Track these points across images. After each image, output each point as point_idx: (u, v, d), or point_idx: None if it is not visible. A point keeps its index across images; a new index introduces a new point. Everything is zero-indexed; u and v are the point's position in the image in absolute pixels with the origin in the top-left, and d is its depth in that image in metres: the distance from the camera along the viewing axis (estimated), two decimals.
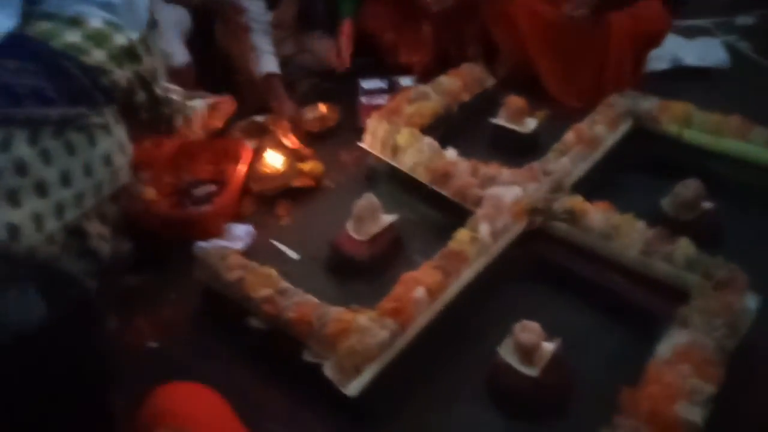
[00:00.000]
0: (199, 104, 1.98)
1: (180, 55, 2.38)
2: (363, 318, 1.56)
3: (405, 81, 2.84)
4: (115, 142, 1.55)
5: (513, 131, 2.41)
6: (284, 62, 2.69)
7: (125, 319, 1.87)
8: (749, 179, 2.13)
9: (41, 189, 1.38)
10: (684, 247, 1.68)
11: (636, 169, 2.26)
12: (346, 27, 2.84)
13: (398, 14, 2.92)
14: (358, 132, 2.59)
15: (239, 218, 2.21)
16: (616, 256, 1.77)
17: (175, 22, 2.42)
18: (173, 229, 2.05)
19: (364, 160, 2.46)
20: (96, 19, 1.51)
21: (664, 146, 2.28)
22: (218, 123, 2.17)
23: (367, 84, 2.85)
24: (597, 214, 1.83)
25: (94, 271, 1.74)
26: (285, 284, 1.72)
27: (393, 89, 2.81)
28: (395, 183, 2.29)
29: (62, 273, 1.53)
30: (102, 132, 1.51)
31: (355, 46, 2.86)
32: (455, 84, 2.54)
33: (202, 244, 2.01)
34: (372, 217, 1.98)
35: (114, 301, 1.87)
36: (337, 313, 1.59)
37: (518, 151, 2.38)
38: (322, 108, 2.77)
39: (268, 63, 2.50)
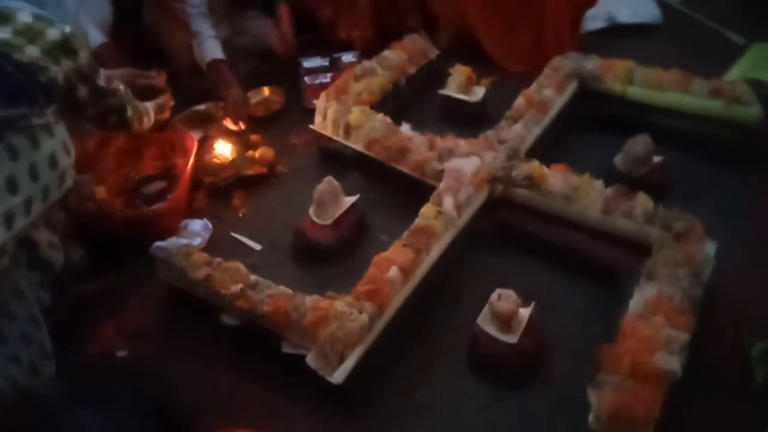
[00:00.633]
0: (148, 104, 1.91)
1: (95, 36, 2.26)
2: (340, 304, 1.54)
3: (347, 57, 2.81)
4: (58, 143, 1.47)
5: (462, 101, 2.42)
6: (222, 45, 2.59)
7: (88, 330, 1.79)
8: (691, 129, 2.20)
9: None
10: (642, 202, 1.73)
11: (585, 128, 2.31)
12: (283, 11, 2.76)
13: None
14: (305, 113, 2.55)
15: (193, 213, 2.14)
16: (578, 216, 1.81)
17: (89, 8, 2.28)
18: (127, 229, 1.96)
19: (315, 142, 2.42)
20: (25, 14, 1.41)
21: (609, 104, 2.33)
22: (166, 115, 2.12)
23: (309, 63, 2.79)
24: (555, 177, 1.86)
25: (47, 282, 1.67)
26: (255, 277, 1.68)
27: (335, 67, 2.76)
28: (350, 163, 2.26)
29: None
30: (44, 133, 1.42)
31: (294, 25, 2.78)
32: (400, 57, 2.52)
33: (159, 243, 1.94)
34: (334, 200, 1.95)
35: (72, 312, 1.79)
36: (313, 301, 1.57)
37: (469, 120, 2.39)
38: (266, 91, 2.70)
39: (212, 49, 2.41)
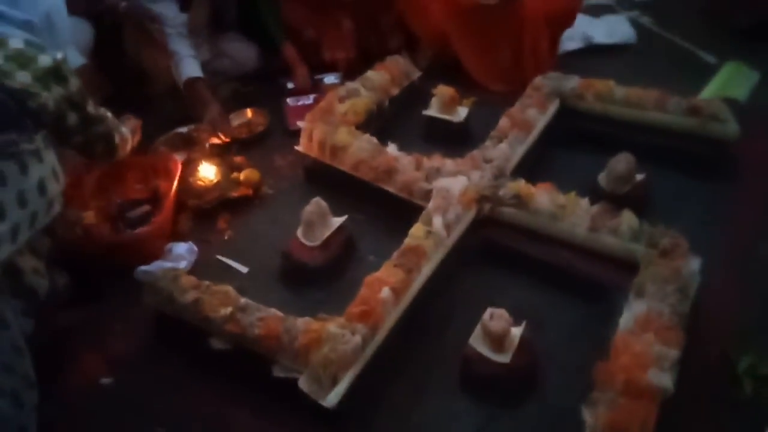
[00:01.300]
0: (125, 129, 1.90)
1: (74, 58, 2.24)
2: (333, 326, 1.53)
3: (329, 79, 2.82)
4: (47, 169, 1.45)
5: (446, 121, 2.44)
6: (202, 68, 2.59)
7: (71, 358, 1.75)
8: (671, 146, 2.24)
9: None
10: (627, 219, 1.76)
11: (568, 146, 2.34)
12: (289, 51, 2.79)
13: (316, 10, 2.87)
14: (289, 134, 2.55)
15: (178, 236, 2.12)
16: (565, 234, 1.83)
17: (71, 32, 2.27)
18: (111, 254, 1.93)
19: (300, 163, 2.41)
20: (17, 40, 1.41)
21: (590, 122, 2.37)
22: (137, 138, 2.10)
23: (292, 84, 2.80)
24: (542, 196, 1.88)
25: (31, 310, 1.63)
26: (244, 300, 1.66)
27: (317, 88, 2.77)
28: (336, 184, 2.25)
29: None
30: (34, 159, 1.40)
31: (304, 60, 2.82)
32: (383, 78, 2.54)
33: (144, 268, 1.92)
34: (322, 222, 1.95)
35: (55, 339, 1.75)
36: (305, 323, 1.56)
37: (453, 140, 2.41)
38: (249, 113, 2.69)
39: (189, 67, 2.40)
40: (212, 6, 2.77)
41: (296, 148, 2.34)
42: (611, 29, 3.06)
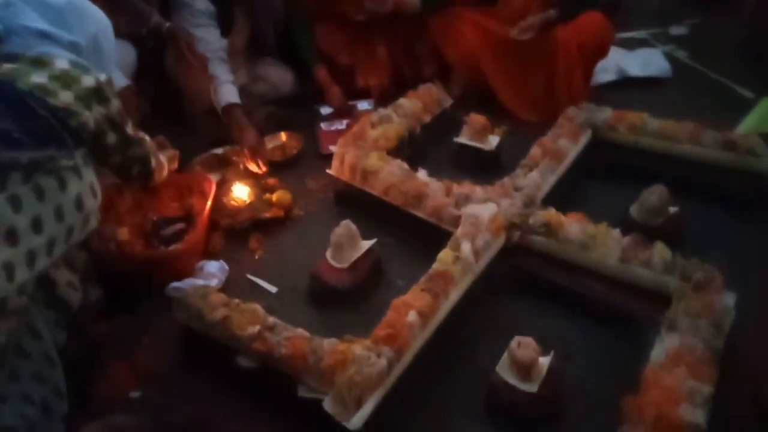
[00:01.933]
0: (162, 158, 1.94)
1: (118, 79, 2.31)
2: (359, 348, 1.53)
3: (362, 105, 2.86)
4: (85, 185, 1.48)
5: (477, 149, 2.45)
6: (239, 92, 2.65)
7: (102, 370, 1.77)
8: (705, 180, 2.22)
9: (12, 237, 1.31)
10: (660, 251, 1.74)
11: (599, 177, 2.33)
12: (321, 73, 2.84)
13: (351, 37, 2.93)
14: (322, 158, 2.58)
15: (209, 255, 2.15)
16: (596, 265, 1.82)
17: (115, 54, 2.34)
18: (144, 270, 1.97)
19: (331, 187, 2.45)
20: (62, 60, 1.46)
21: (623, 154, 2.36)
22: (174, 167, 2.18)
23: (326, 109, 2.85)
24: (572, 225, 1.87)
25: (64, 321, 1.67)
26: (273, 319, 1.68)
27: (350, 114, 2.81)
28: (366, 208, 2.28)
29: None
30: (72, 175, 1.44)
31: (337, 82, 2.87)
32: (416, 105, 2.57)
33: (176, 284, 1.94)
34: (351, 244, 1.96)
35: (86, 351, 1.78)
36: (331, 345, 1.56)
37: (483, 168, 2.43)
38: (283, 136, 2.74)
39: (228, 93, 2.46)
40: (251, 32, 2.85)
41: (328, 171, 2.37)
42: (646, 62, 3.06)
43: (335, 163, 2.35)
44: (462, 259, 1.79)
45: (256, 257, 2.17)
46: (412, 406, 1.61)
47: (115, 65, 2.29)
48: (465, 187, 2.09)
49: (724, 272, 1.70)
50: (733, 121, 2.53)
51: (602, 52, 2.77)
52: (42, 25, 1.49)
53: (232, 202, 2.29)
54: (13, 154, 1.30)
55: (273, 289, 2.03)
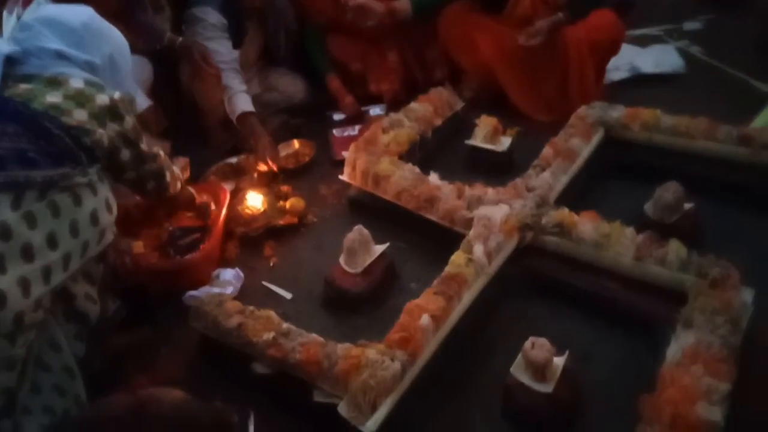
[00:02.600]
0: (178, 170, 1.97)
1: (141, 101, 2.35)
2: (372, 352, 1.53)
3: (374, 110, 2.88)
4: (101, 201, 1.51)
5: (489, 151, 2.45)
6: (253, 101, 2.68)
7: (122, 380, 1.80)
8: (721, 176, 2.19)
9: (27, 253, 1.34)
10: (676, 249, 1.72)
11: (613, 176, 2.31)
12: (334, 82, 2.88)
13: (363, 44, 2.96)
14: (334, 164, 2.60)
15: (225, 263, 2.18)
16: (610, 264, 1.80)
17: (134, 70, 2.38)
18: (162, 281, 2.00)
19: (344, 192, 2.46)
20: (77, 80, 1.49)
21: (636, 152, 2.34)
22: (186, 176, 2.25)
23: (338, 116, 2.87)
24: (586, 224, 1.86)
25: (83, 334, 1.69)
26: (287, 325, 1.69)
27: (363, 119, 2.83)
28: (379, 212, 2.29)
29: None
30: (87, 191, 1.47)
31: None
32: (427, 109, 2.57)
33: (192, 293, 1.97)
34: (364, 249, 1.97)
35: (106, 363, 1.81)
36: (345, 349, 1.57)
37: (496, 169, 2.42)
38: (296, 144, 2.76)
39: (242, 102, 2.49)
40: (263, 43, 2.89)
41: (340, 177, 2.39)
42: (659, 59, 3.03)
43: (347, 168, 2.36)
44: (475, 261, 1.79)
45: (271, 264, 2.19)
46: (427, 409, 1.61)
47: (135, 84, 2.35)
48: (477, 189, 2.09)
49: (741, 268, 1.67)
50: (749, 116, 2.50)
51: (614, 50, 2.75)
52: (58, 45, 1.53)
53: (247, 211, 2.32)
54: (29, 173, 1.34)
55: (288, 295, 2.04)
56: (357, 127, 2.77)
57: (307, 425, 1.61)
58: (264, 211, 2.32)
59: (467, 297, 1.74)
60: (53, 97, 1.43)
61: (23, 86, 1.44)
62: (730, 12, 3.47)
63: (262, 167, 2.53)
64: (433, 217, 2.07)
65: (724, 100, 2.72)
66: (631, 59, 3.00)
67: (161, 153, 1.76)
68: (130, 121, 1.57)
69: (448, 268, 1.78)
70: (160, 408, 1.28)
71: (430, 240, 2.09)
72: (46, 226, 1.38)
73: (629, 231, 1.82)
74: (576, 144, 2.25)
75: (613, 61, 2.86)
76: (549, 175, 2.10)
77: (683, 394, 1.34)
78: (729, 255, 1.72)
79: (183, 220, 2.25)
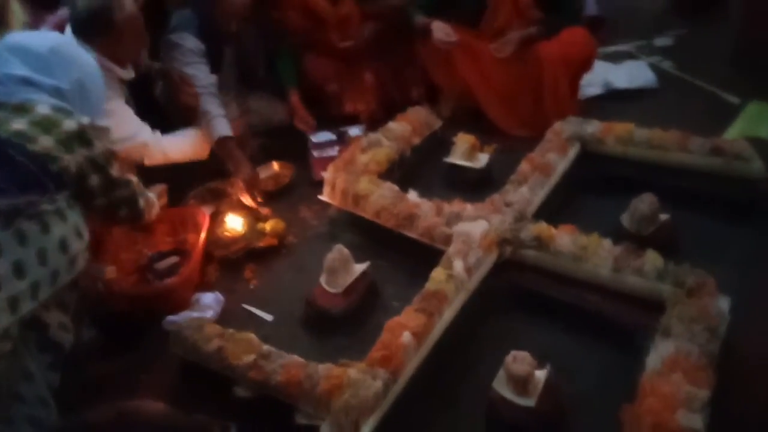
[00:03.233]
0: (152, 195, 1.95)
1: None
2: (354, 371, 1.52)
3: (354, 131, 2.89)
4: (70, 228, 1.49)
5: (467, 168, 2.47)
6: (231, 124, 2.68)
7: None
8: (695, 187, 2.22)
9: None
10: (652, 259, 1.74)
11: (589, 189, 2.34)
12: (294, 97, 2.89)
13: (339, 64, 2.98)
14: (314, 186, 2.60)
15: (205, 286, 2.16)
16: (589, 275, 1.81)
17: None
18: (140, 306, 1.98)
19: (324, 213, 2.46)
20: (44, 106, 1.48)
21: (612, 165, 2.37)
22: (163, 202, 2.22)
23: (317, 137, 2.88)
24: (564, 237, 1.87)
25: (58, 364, 1.66)
26: (267, 348, 1.68)
27: (342, 140, 2.84)
28: (359, 232, 2.29)
29: None
30: (56, 218, 1.45)
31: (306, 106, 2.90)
32: (405, 128, 2.59)
33: (172, 318, 1.95)
34: (344, 269, 1.96)
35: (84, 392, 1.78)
36: (326, 370, 1.56)
37: (474, 186, 2.45)
38: (275, 166, 2.76)
39: (220, 126, 2.49)
40: (240, 67, 2.90)
41: (320, 197, 2.39)
42: (632, 74, 3.09)
43: (327, 188, 2.37)
44: (455, 277, 1.79)
45: (252, 287, 2.18)
46: (410, 426, 1.60)
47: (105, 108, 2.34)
48: (456, 206, 2.10)
49: (717, 277, 1.69)
50: (721, 128, 2.56)
51: (587, 67, 2.80)
52: (25, 72, 1.52)
53: (226, 233, 2.31)
54: None
55: (269, 317, 2.03)
56: (336, 148, 2.78)
57: None
58: (244, 233, 2.31)
59: (448, 313, 1.74)
60: (19, 124, 1.42)
61: None
62: (699, 27, 3.56)
63: (245, 200, 2.51)
64: (412, 235, 2.08)
65: (696, 112, 2.78)
66: (605, 75, 3.06)
67: (133, 179, 1.74)
68: (99, 146, 1.55)
69: (428, 285, 1.78)
70: (144, 416, 1.26)
71: (411, 257, 2.09)
72: (12, 255, 1.35)
73: (607, 243, 1.84)
74: (552, 158, 2.27)
75: (587, 77, 2.91)
76: (527, 190, 2.12)
77: (664, 403, 1.35)
78: (705, 264, 1.74)
79: (161, 244, 2.23)
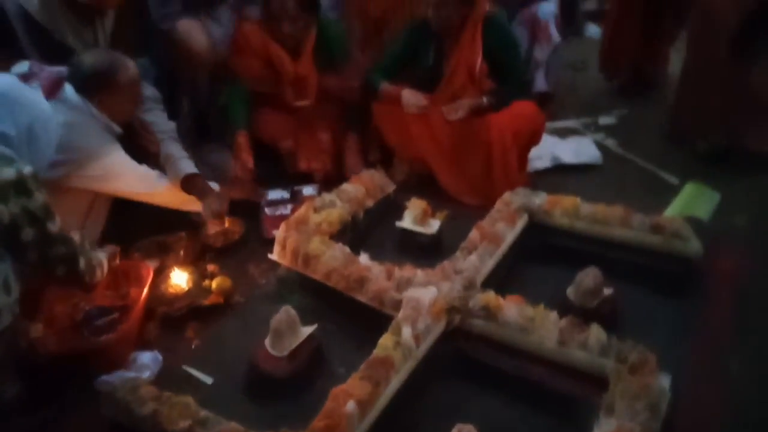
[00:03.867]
0: (101, 255, 1.89)
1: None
2: None
3: (307, 190, 2.89)
4: None
5: (418, 233, 2.49)
6: None
7: None
8: (637, 262, 2.29)
9: None
10: (596, 333, 1.77)
11: (537, 260, 2.39)
12: (242, 138, 2.86)
13: (294, 122, 3.01)
14: (264, 244, 2.57)
15: (144, 344, 2.08)
16: (535, 348, 1.83)
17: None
18: (70, 364, 1.87)
19: (273, 272, 2.43)
20: None
21: (558, 237, 2.43)
22: (115, 263, 2.17)
23: (271, 195, 2.86)
24: (511, 308, 1.89)
25: None
26: (205, 413, 1.61)
27: (296, 199, 2.84)
28: (308, 293, 2.26)
29: None
30: None
31: (254, 155, 2.88)
32: (359, 191, 2.61)
33: (105, 377, 1.86)
34: (291, 331, 1.93)
35: None
36: None
37: (425, 251, 2.46)
38: (226, 222, 2.71)
39: (185, 165, 2.46)
40: (194, 116, 2.90)
41: (270, 256, 2.36)
42: (578, 150, 3.21)
43: (277, 247, 2.34)
44: (403, 345, 1.78)
45: (193, 346, 2.11)
46: None
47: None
48: (406, 271, 2.10)
49: (658, 353, 1.73)
50: (661, 205, 2.66)
51: (535, 140, 2.91)
52: None
53: (170, 289, 2.24)
54: None
55: (209, 379, 1.96)
56: (289, 206, 2.77)
57: None
58: (188, 290, 2.25)
59: (395, 381, 1.72)
60: None
61: None
62: (641, 109, 3.76)
63: (213, 225, 2.51)
64: (362, 299, 2.06)
65: (637, 189, 2.90)
66: (553, 149, 3.17)
67: (75, 238, 1.68)
68: (39, 198, 1.50)
69: (376, 352, 1.76)
70: None
71: (360, 321, 2.07)
72: None
73: (552, 315, 1.86)
74: (501, 228, 2.32)
75: (536, 151, 3.02)
76: (476, 258, 2.15)
77: None
78: (647, 339, 1.78)
79: (100, 298, 2.15)
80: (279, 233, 2.35)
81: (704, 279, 2.22)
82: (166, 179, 2.41)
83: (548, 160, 3.14)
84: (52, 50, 2.34)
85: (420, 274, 2.08)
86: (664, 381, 1.65)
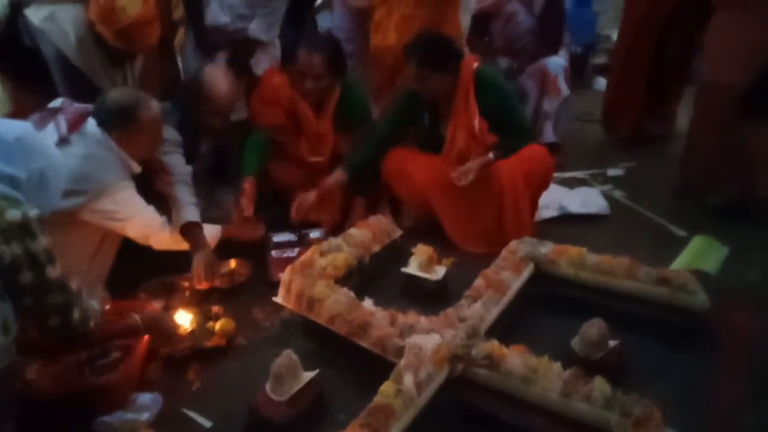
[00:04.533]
0: (96, 305, 1.88)
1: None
2: None
3: (315, 234, 2.91)
4: None
5: (424, 279, 2.49)
6: None
7: None
8: (643, 314, 2.27)
9: None
10: (600, 386, 1.74)
11: (542, 309, 2.37)
12: (247, 185, 2.88)
13: (308, 174, 3.06)
14: (270, 286, 2.58)
15: (145, 385, 2.07)
16: (538, 399, 1.80)
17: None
18: (69, 403, 1.86)
19: (277, 316, 2.43)
20: None
21: (564, 287, 2.42)
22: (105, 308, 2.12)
23: (278, 237, 2.88)
24: (514, 358, 1.87)
25: None
26: None
27: (303, 242, 2.85)
28: (311, 337, 2.26)
29: None
30: None
31: (266, 200, 2.92)
32: (365, 236, 2.63)
33: (104, 418, 1.85)
34: (292, 375, 1.91)
35: None
36: None
37: (430, 298, 2.45)
38: (232, 263, 2.74)
39: (188, 213, 2.50)
40: (213, 160, 2.95)
41: (274, 299, 2.36)
42: (586, 200, 3.23)
43: (282, 290, 2.35)
44: (404, 392, 1.75)
45: (194, 388, 2.10)
46: None
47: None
48: (410, 317, 2.09)
49: (663, 407, 1.70)
50: (668, 258, 2.65)
51: (546, 182, 2.92)
52: None
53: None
54: None
55: (207, 423, 1.94)
56: (296, 249, 2.79)
57: None
58: (191, 331, 2.25)
59: (395, 429, 1.69)
60: None
61: None
62: (649, 161, 3.79)
63: (197, 283, 2.47)
64: (365, 344, 2.05)
65: (644, 241, 2.90)
66: (560, 199, 3.19)
67: (73, 288, 1.65)
68: (43, 241, 1.51)
69: (376, 399, 1.74)
70: None
71: (362, 367, 2.05)
72: None
73: (556, 366, 1.84)
74: (507, 277, 2.32)
75: (544, 200, 3.03)
76: (480, 306, 2.14)
77: None
78: (652, 392, 1.75)
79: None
80: (284, 276, 2.36)
81: (712, 333, 2.19)
82: (168, 228, 2.43)
83: (555, 210, 3.15)
84: (84, 90, 2.49)
85: (423, 320, 2.07)
86: None
